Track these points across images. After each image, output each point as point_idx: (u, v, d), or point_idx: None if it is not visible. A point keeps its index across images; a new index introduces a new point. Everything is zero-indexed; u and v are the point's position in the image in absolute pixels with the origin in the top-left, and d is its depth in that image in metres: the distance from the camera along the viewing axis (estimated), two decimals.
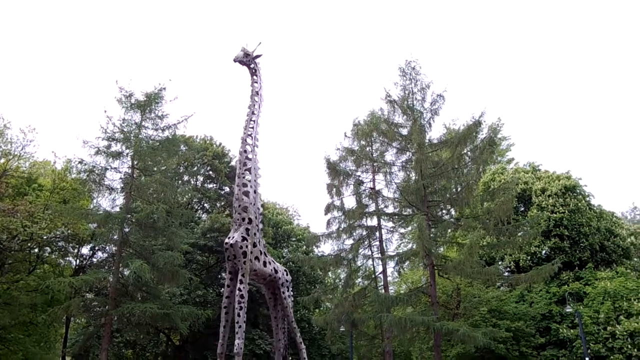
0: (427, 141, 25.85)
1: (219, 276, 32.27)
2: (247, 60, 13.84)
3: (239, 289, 11.79)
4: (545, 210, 31.44)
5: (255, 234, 12.87)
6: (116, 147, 24.47)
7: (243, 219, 12.69)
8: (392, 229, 29.76)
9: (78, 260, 32.59)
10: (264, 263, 13.34)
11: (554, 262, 22.09)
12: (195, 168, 31.52)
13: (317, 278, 39.79)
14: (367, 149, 30.15)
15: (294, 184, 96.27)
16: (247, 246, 12.40)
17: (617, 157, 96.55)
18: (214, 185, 35.08)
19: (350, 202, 32.16)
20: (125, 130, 24.82)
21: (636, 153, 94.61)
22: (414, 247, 23.95)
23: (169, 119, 25.55)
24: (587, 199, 33.30)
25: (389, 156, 29.21)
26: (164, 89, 25.54)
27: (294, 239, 42.40)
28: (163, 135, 25.48)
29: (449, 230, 24.47)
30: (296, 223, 44.78)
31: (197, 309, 24.00)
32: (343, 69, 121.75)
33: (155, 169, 25.26)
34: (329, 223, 30.24)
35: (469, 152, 24.34)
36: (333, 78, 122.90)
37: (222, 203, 34.87)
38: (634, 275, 31.07)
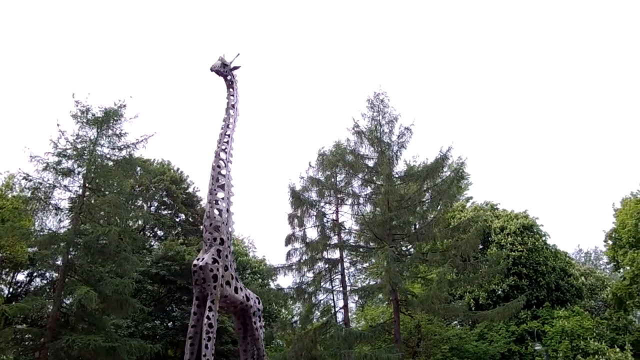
0: (394, 174, 25.70)
1: (169, 308, 30.20)
2: (225, 70, 13.04)
3: (208, 317, 10.54)
4: (504, 249, 31.79)
5: (227, 256, 11.74)
6: (67, 164, 22.77)
7: (214, 239, 11.56)
8: (354, 262, 29.07)
9: (11, 288, 29.74)
10: (235, 289, 12.16)
11: (519, 298, 22.02)
12: (151, 192, 29.84)
13: (272, 313, 38.19)
14: (332, 179, 29.63)
15: (249, 214, 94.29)
16: (217, 269, 11.25)
17: (562, 199, 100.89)
18: (169, 212, 33.38)
19: (312, 233, 31.37)
20: (78, 147, 23.20)
21: (581, 196, 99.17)
22: (379, 281, 23.30)
23: (127, 138, 24.16)
24: (544, 238, 34.07)
25: (354, 188, 28.84)
26: (124, 106, 24.23)
27: (249, 271, 40.83)
28: (120, 154, 23.96)
29: (414, 265, 23.98)
30: (252, 255, 43.25)
31: (146, 343, 22.08)
32: (306, 97, 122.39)
33: (107, 191, 23.64)
34: (289, 255, 29.13)
35: (435, 186, 24.27)
36: (293, 106, 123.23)
37: (177, 230, 33.17)
38: (587, 314, 31.64)
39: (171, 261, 28.13)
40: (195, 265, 11.13)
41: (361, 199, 27.95)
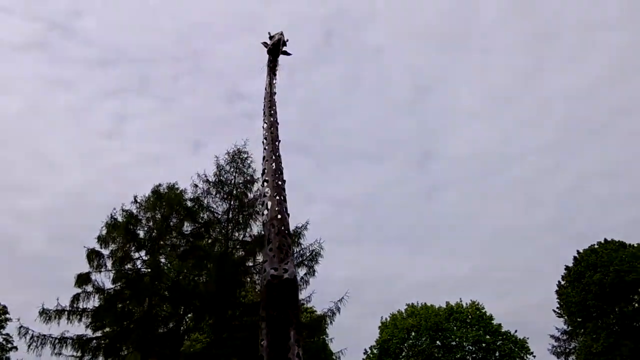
0: (240, 236, 24.15)
1: None
2: (280, 51, 10.45)
3: (299, 356, 7.03)
4: None
5: None
6: None
7: (289, 245, 7.76)
8: None
9: None
10: None
11: None
12: None
13: None
14: (158, 223, 25.77)
15: None
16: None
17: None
18: None
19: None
20: None
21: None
22: None
23: None
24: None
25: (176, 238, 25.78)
26: None
27: None
28: None
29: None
30: None
31: None
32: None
33: None
34: (77, 298, 23.42)
35: None
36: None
37: None
38: None
39: None
40: (275, 276, 7.30)
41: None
